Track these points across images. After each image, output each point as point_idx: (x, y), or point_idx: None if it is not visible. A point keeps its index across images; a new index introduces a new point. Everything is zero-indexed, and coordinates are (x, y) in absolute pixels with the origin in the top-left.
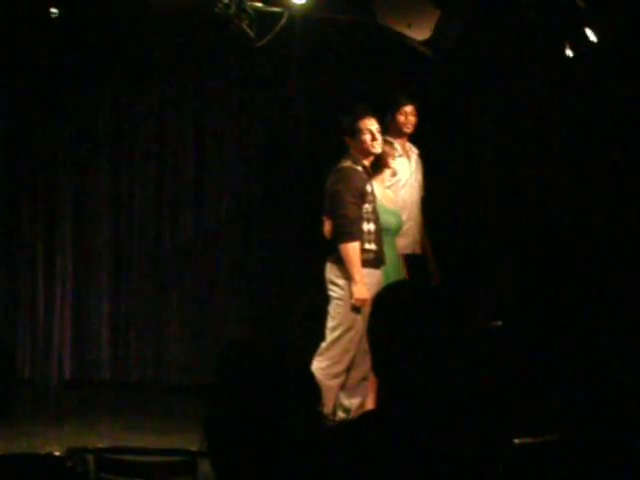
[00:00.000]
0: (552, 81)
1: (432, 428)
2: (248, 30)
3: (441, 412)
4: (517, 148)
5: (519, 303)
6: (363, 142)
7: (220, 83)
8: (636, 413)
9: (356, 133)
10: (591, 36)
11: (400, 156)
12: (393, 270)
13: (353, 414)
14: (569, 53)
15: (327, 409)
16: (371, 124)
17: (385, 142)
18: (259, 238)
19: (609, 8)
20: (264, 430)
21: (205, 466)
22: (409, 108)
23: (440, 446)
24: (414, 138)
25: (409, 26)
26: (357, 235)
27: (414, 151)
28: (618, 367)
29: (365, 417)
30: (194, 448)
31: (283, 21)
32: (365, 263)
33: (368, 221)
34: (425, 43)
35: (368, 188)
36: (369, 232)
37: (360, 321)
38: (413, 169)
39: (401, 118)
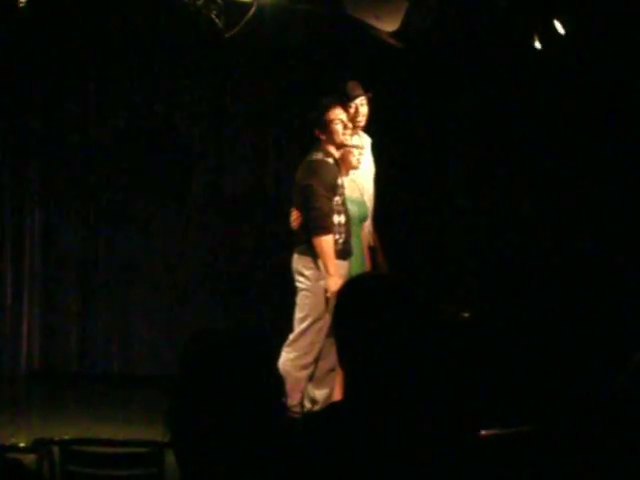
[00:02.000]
0: (521, 73)
1: (398, 420)
2: (217, 20)
3: (406, 404)
4: (485, 140)
5: (487, 294)
6: (335, 133)
7: (190, 73)
8: (609, 405)
9: (327, 125)
10: (559, 28)
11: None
12: (356, 260)
13: (321, 405)
14: (537, 45)
15: (295, 400)
16: (340, 114)
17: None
18: (227, 229)
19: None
20: (226, 421)
21: (172, 457)
22: (359, 100)
23: (405, 438)
24: (381, 129)
25: (377, 17)
26: (330, 228)
27: (367, 141)
28: (589, 358)
29: (331, 409)
30: (160, 439)
31: (252, 11)
32: (335, 254)
33: (339, 213)
34: (394, 34)
35: (339, 181)
36: (339, 224)
37: (328, 312)
38: (367, 159)
39: (351, 110)
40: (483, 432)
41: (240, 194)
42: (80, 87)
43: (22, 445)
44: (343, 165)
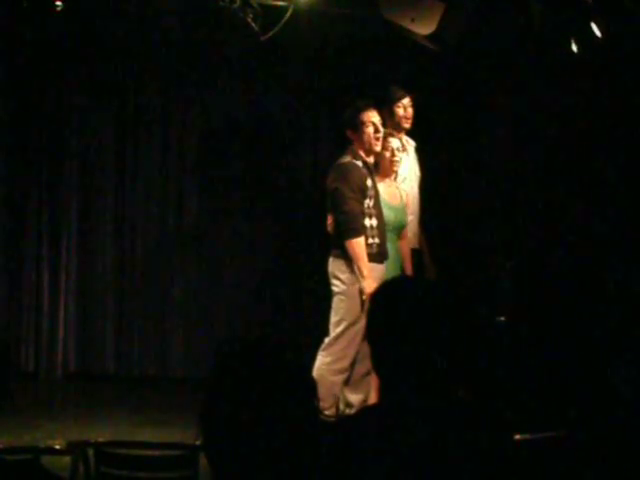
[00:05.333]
0: (557, 76)
1: (430, 423)
2: (253, 24)
3: (440, 408)
4: (521, 143)
5: (523, 298)
6: (366, 135)
7: (225, 76)
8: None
9: (359, 126)
10: (597, 31)
11: (398, 150)
12: (392, 266)
13: (356, 409)
14: (574, 48)
15: (328, 404)
16: (373, 116)
17: (385, 139)
18: (264, 232)
19: (615, 3)
20: (259, 425)
21: (206, 460)
22: (406, 100)
23: (438, 441)
24: (417, 132)
25: (412, 20)
26: (361, 230)
27: (411, 144)
28: (620, 363)
29: (363, 412)
30: (195, 442)
31: (288, 15)
32: (369, 257)
33: (370, 216)
34: (429, 37)
35: (369, 183)
36: (371, 227)
37: (363, 316)
38: (411, 163)
39: (400, 111)
40: (517, 436)
41: (274, 197)
42: (115, 89)
43: (57, 447)
44: (381, 169)
